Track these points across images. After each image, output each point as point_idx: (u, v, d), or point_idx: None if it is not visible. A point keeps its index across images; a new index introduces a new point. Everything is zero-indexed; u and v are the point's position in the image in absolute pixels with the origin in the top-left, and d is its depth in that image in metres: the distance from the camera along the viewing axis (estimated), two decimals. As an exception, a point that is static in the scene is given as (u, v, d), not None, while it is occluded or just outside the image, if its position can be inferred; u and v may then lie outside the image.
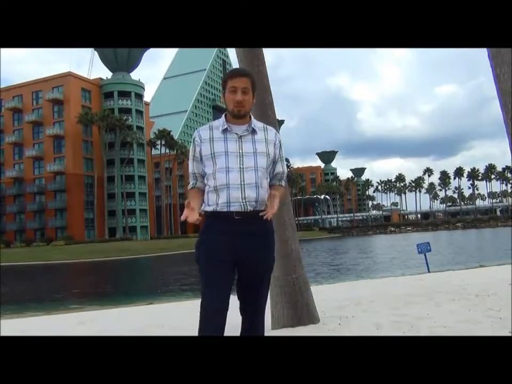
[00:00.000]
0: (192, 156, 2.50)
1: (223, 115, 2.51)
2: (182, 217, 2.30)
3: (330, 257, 33.52)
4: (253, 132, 2.46)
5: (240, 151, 2.40)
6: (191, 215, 2.29)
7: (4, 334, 5.01)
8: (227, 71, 2.57)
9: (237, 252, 2.37)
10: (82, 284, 26.41)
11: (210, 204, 2.40)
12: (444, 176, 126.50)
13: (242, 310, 2.49)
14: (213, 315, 2.29)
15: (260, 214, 2.38)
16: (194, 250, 2.45)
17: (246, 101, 2.41)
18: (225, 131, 2.43)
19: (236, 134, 2.43)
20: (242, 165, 2.38)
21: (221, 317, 2.30)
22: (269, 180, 2.51)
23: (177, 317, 6.89)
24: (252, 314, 2.48)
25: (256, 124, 2.50)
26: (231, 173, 2.36)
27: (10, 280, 26.52)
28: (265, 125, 2.55)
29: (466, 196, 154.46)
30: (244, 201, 2.36)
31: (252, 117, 2.52)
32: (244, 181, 2.36)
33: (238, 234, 2.37)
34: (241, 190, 2.35)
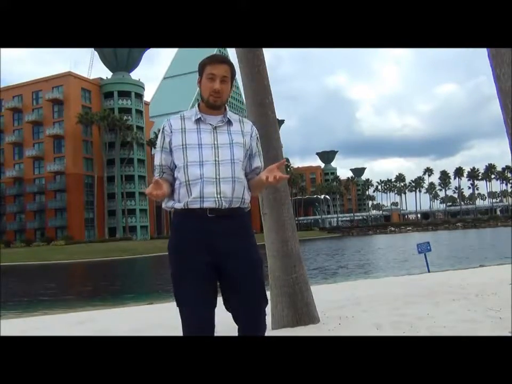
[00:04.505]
0: (160, 147, 2.28)
1: (196, 105, 2.33)
2: (147, 191, 2.08)
3: (329, 259, 33.49)
4: (229, 122, 2.28)
5: (215, 142, 2.21)
6: (155, 189, 2.07)
7: (3, 334, 5.01)
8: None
9: (215, 255, 2.17)
10: (82, 283, 26.40)
11: (181, 200, 2.20)
12: (444, 176, 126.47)
13: (236, 319, 2.27)
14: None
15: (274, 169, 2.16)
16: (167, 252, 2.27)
17: (223, 91, 2.23)
18: (198, 121, 2.25)
19: (210, 124, 2.24)
20: (218, 157, 2.19)
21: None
22: (245, 174, 2.32)
23: (177, 317, 6.88)
24: (247, 324, 2.24)
25: (232, 115, 2.32)
26: (205, 166, 2.17)
27: (10, 280, 26.51)
28: (241, 117, 2.38)
29: (466, 196, 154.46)
30: (218, 196, 2.17)
31: (228, 108, 2.33)
32: (219, 175, 2.18)
33: (214, 234, 2.17)
34: (216, 184, 2.17)
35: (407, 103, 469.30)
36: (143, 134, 74.80)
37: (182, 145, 2.21)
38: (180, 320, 2.26)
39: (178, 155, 2.22)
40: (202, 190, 2.17)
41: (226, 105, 2.33)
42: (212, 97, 2.23)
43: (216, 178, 2.18)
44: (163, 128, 2.29)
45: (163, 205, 2.33)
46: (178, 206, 2.21)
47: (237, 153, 2.24)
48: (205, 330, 2.15)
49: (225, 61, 2.27)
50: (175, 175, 2.26)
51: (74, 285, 25.29)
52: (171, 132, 2.26)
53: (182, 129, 2.24)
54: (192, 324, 2.16)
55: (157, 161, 2.31)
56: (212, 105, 2.25)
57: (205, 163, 2.18)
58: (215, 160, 2.19)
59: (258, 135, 2.42)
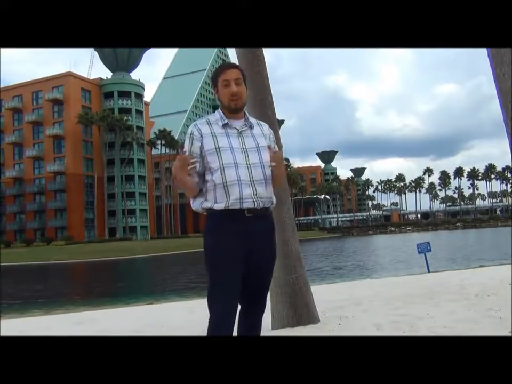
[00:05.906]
0: (188, 151, 2.33)
1: (219, 110, 2.42)
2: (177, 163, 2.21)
3: (329, 259, 33.49)
4: (250, 126, 2.41)
5: (244, 146, 2.33)
6: (184, 170, 2.22)
7: (3, 334, 5.01)
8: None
9: (252, 252, 2.30)
10: (82, 284, 26.41)
11: (220, 200, 2.28)
12: (444, 176, 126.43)
13: (244, 313, 2.40)
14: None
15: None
16: (204, 252, 2.33)
17: (241, 92, 2.34)
18: (225, 126, 2.35)
19: (236, 129, 2.36)
20: (249, 161, 2.31)
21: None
22: None
23: (177, 317, 6.89)
24: (254, 316, 2.42)
25: (251, 119, 2.45)
26: (240, 168, 2.28)
27: (10, 280, 26.51)
28: (256, 120, 2.50)
29: (466, 196, 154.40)
30: (255, 197, 2.29)
31: (246, 112, 2.46)
32: (252, 178, 2.30)
33: (252, 233, 2.29)
34: (251, 186, 2.29)
35: (407, 103, 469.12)
36: (143, 134, 74.84)
37: (215, 148, 2.29)
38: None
39: (212, 158, 2.30)
40: (242, 192, 2.27)
41: (245, 110, 2.44)
42: (232, 101, 2.33)
43: (250, 180, 2.30)
44: (191, 133, 2.35)
45: (195, 206, 2.39)
46: (218, 207, 2.29)
47: (264, 157, 2.36)
48: (230, 330, 2.25)
49: (234, 65, 2.42)
50: (207, 178, 2.33)
51: (74, 285, 25.29)
52: (201, 136, 2.33)
53: (212, 133, 2.33)
54: (224, 323, 2.24)
55: None
56: (234, 109, 2.35)
57: (239, 165, 2.29)
58: (247, 164, 2.31)
59: (274, 136, 2.54)
